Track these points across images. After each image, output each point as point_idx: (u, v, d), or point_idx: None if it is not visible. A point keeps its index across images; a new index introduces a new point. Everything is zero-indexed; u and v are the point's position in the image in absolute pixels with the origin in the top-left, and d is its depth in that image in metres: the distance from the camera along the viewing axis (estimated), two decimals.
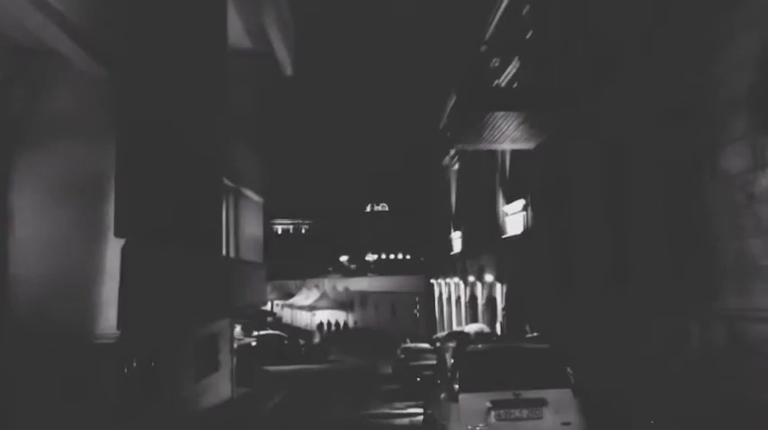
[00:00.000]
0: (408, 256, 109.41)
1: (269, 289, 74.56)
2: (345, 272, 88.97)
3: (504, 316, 19.33)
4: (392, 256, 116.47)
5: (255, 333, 38.24)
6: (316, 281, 68.22)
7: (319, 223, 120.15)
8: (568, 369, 8.95)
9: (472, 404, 8.56)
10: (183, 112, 13.59)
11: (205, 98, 15.25)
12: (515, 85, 17.40)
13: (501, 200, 19.49)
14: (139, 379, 12.61)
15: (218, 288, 15.86)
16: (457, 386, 8.76)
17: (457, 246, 27.78)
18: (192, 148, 14.16)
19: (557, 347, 9.21)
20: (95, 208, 10.07)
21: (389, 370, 28.42)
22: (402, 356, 25.61)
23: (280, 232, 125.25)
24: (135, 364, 12.59)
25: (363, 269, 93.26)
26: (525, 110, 13.48)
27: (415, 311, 39.72)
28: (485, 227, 22.02)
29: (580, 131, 13.66)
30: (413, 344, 28.61)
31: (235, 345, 35.20)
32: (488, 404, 8.51)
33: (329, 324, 52.26)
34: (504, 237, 18.70)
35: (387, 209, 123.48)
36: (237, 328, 43.98)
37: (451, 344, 9.76)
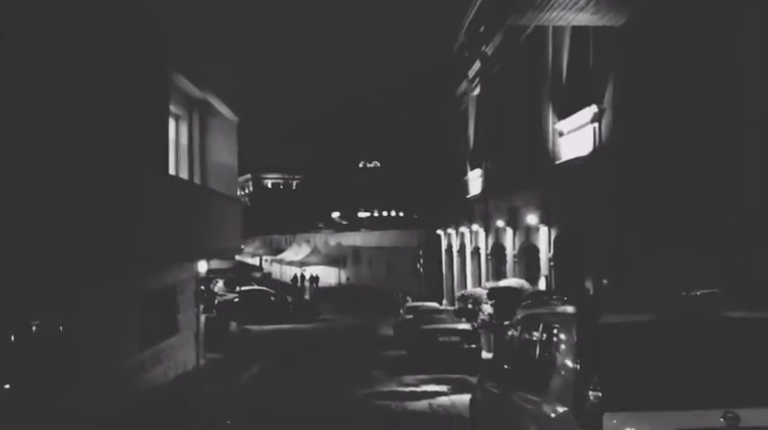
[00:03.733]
0: (402, 214, 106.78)
1: (257, 244, 71.94)
2: (337, 227, 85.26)
3: (551, 268, 14.87)
4: (385, 213, 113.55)
5: (239, 289, 34.28)
6: (306, 236, 64.90)
7: (310, 178, 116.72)
8: None
9: None
10: None
11: None
12: None
13: (551, 116, 14.82)
14: (37, 352, 8.29)
15: (171, 222, 11.20)
16: (595, 395, 4.22)
17: (475, 187, 23.24)
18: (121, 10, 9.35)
19: None
20: None
21: (390, 331, 24.84)
22: (407, 317, 21.76)
23: (270, 186, 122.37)
24: (34, 329, 8.25)
25: (356, 225, 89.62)
26: None
27: (418, 266, 35.47)
28: (522, 156, 17.39)
29: None
30: (419, 303, 24.92)
31: (216, 301, 31.84)
32: None
33: (303, 277, 48.38)
34: (558, 162, 14.05)
35: (379, 165, 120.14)
36: (220, 283, 40.29)
37: (565, 310, 5.07)
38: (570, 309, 5.15)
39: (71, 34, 8.59)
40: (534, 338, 5.72)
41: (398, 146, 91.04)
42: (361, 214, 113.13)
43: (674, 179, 10.16)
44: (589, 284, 13.16)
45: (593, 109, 12.23)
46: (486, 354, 18.12)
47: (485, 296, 15.63)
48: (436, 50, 32.95)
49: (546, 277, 15.06)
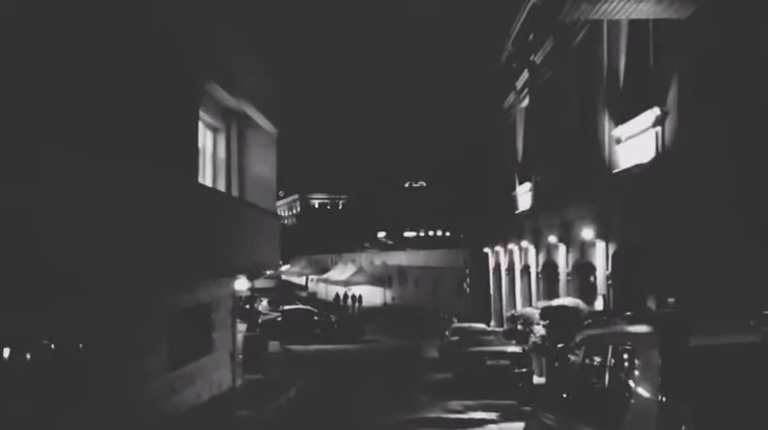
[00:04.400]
0: (448, 233, 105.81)
1: (303, 264, 71.96)
2: (383, 247, 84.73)
3: (609, 287, 13.70)
4: (431, 233, 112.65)
5: (282, 308, 33.85)
6: (352, 255, 64.42)
7: (356, 198, 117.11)
8: None
9: None
10: None
11: None
12: None
13: (607, 122, 13.76)
14: (55, 371, 7.84)
15: (203, 234, 10.65)
16: None
17: (524, 202, 22.17)
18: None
19: None
20: None
21: (435, 353, 23.87)
22: (453, 339, 20.86)
23: (316, 206, 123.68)
24: (53, 347, 7.85)
25: (402, 244, 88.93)
26: None
27: (465, 286, 34.31)
28: (575, 167, 16.32)
29: None
30: (465, 325, 23.93)
31: (260, 320, 31.42)
32: None
33: (346, 296, 47.67)
34: (615, 171, 12.97)
35: (425, 185, 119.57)
36: (264, 302, 40.05)
37: (641, 330, 4.12)
38: (646, 328, 4.21)
39: (91, 35, 8.15)
40: (601, 364, 4.78)
41: (444, 165, 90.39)
42: (407, 234, 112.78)
43: (756, 181, 9.03)
44: (652, 304, 11.99)
45: (656, 112, 11.17)
46: (538, 379, 16.98)
47: (537, 316, 14.54)
48: (483, 64, 32.24)
49: (603, 296, 13.90)
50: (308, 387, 17.22)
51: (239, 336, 17.29)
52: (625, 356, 4.30)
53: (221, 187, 15.18)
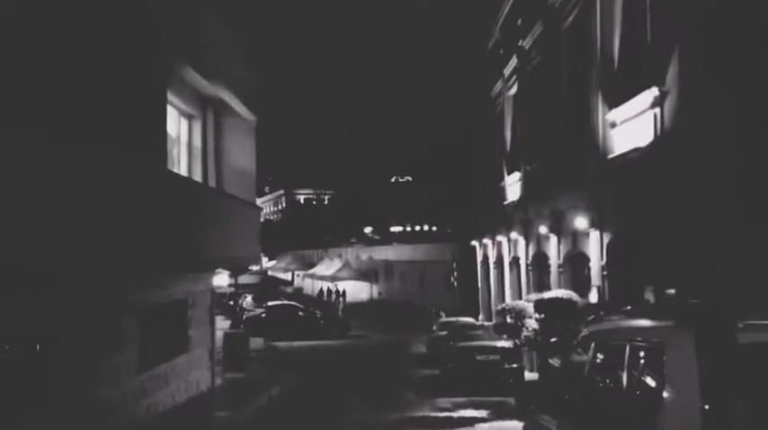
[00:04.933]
0: (435, 228, 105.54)
1: (289, 259, 71.20)
2: (369, 242, 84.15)
3: (604, 278, 13.12)
4: (417, 228, 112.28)
5: (267, 304, 33.19)
6: (338, 250, 63.85)
7: (342, 194, 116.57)
8: None
9: None
10: None
11: None
12: None
13: (601, 106, 13.14)
14: (7, 374, 7.16)
15: (174, 225, 9.94)
16: None
17: (513, 192, 21.57)
18: None
19: None
20: None
21: (423, 348, 23.38)
22: (441, 333, 20.35)
23: (302, 202, 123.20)
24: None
25: (388, 239, 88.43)
26: None
27: (452, 280, 33.74)
28: (566, 154, 15.71)
29: None
30: (453, 319, 23.47)
31: (244, 317, 30.64)
32: None
33: (330, 291, 47.07)
34: (610, 157, 12.36)
35: (411, 180, 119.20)
36: (248, 298, 39.21)
37: (668, 325, 3.46)
38: (669, 323, 3.58)
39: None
40: (614, 363, 4.14)
41: (431, 159, 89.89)
42: (394, 229, 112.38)
43: (763, 161, 8.46)
44: (650, 295, 11.45)
45: (654, 92, 10.56)
46: (529, 375, 16.45)
47: (529, 309, 13.97)
48: (469, 54, 31.62)
49: (598, 288, 13.33)
50: (291, 385, 16.56)
51: (219, 334, 16.60)
52: (654, 357, 3.64)
53: (197, 177, 14.44)
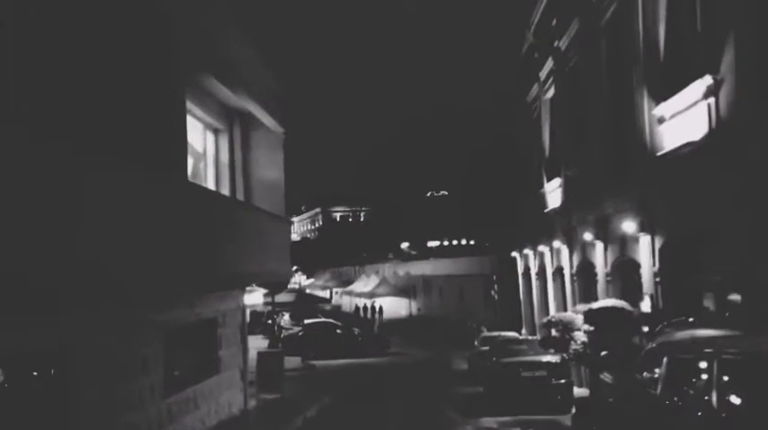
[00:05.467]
0: (472, 241, 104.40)
1: (327, 276, 71.00)
2: (406, 258, 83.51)
3: (657, 285, 12.18)
4: (455, 242, 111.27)
5: (305, 321, 32.74)
6: (375, 267, 63.35)
7: (378, 210, 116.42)
8: None
9: None
10: None
11: None
12: None
13: (647, 101, 12.30)
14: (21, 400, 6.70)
15: (198, 240, 9.48)
16: None
17: (554, 199, 20.68)
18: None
19: None
20: None
21: (464, 365, 22.65)
22: (483, 349, 19.53)
23: (338, 219, 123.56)
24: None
25: (425, 254, 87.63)
26: None
27: (493, 293, 32.79)
28: (610, 155, 14.85)
29: None
30: (495, 334, 22.61)
31: (281, 335, 30.22)
32: None
33: (366, 307, 46.39)
34: (659, 154, 11.49)
35: (447, 194, 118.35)
36: (286, 316, 38.87)
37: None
38: None
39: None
40: (702, 384, 3.40)
41: (465, 171, 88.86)
42: (431, 243, 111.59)
43: None
44: (710, 302, 10.50)
45: (707, 81, 9.73)
46: (578, 391, 15.47)
47: (578, 321, 13.05)
48: (503, 60, 30.90)
49: (651, 296, 12.37)
50: (328, 405, 15.91)
51: (253, 353, 16.09)
52: (738, 370, 2.93)
53: (225, 191, 14.09)
